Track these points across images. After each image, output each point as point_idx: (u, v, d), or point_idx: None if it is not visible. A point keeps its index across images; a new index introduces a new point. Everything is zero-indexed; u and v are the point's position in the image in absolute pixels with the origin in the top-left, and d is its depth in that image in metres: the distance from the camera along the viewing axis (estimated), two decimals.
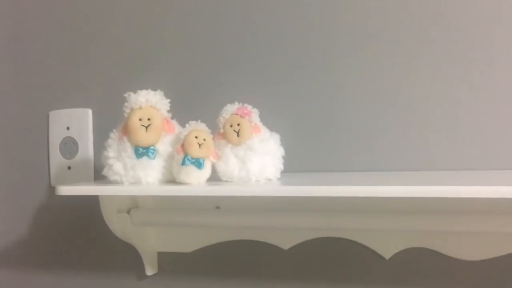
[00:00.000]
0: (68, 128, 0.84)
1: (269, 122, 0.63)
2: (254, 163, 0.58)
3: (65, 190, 0.61)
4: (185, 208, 0.74)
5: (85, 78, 0.84)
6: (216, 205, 0.74)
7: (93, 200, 0.81)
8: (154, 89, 0.62)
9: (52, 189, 0.85)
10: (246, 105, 0.61)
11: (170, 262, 0.79)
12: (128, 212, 0.73)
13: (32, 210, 0.87)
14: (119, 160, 0.60)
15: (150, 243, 0.78)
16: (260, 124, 0.60)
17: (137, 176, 0.60)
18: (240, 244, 0.76)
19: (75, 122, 0.84)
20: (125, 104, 0.61)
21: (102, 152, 0.63)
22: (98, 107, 0.83)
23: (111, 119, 0.81)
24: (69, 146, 0.84)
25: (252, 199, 0.59)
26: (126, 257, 0.81)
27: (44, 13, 0.86)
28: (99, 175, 0.83)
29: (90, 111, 0.83)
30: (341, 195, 0.53)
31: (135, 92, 0.61)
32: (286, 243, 0.73)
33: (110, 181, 0.62)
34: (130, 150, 0.60)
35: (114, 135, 0.62)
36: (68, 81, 0.85)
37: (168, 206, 0.75)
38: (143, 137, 0.59)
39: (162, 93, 0.62)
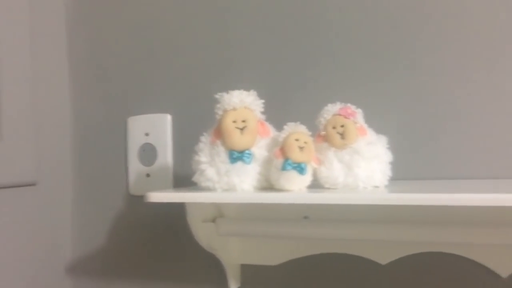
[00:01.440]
0: (147, 134, 0.82)
1: (373, 123, 0.57)
2: (362, 169, 0.52)
3: (156, 197, 0.57)
4: (271, 217, 0.69)
5: (163, 83, 0.81)
6: (304, 215, 0.68)
7: (175, 208, 0.78)
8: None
9: (130, 196, 0.83)
10: (349, 104, 0.56)
11: (254, 275, 0.75)
12: (212, 221, 0.69)
13: (110, 218, 0.85)
14: (212, 166, 0.56)
15: (234, 254, 0.73)
16: (365, 126, 0.55)
17: (231, 182, 0.55)
18: (331, 258, 0.70)
19: (154, 128, 0.81)
20: (217, 105, 0.58)
21: (192, 157, 0.59)
22: (177, 112, 0.81)
23: (191, 124, 0.79)
24: (148, 153, 0.82)
25: (347, 208, 0.54)
26: (207, 268, 0.77)
27: (123, 19, 0.85)
28: (178, 183, 0.80)
29: (169, 117, 0.81)
30: (463, 203, 0.47)
31: (222, 95, 0.57)
32: (384, 258, 0.67)
33: (201, 188, 0.58)
34: (223, 155, 0.56)
35: (205, 139, 0.58)
36: (146, 87, 0.83)
37: (254, 215, 0.70)
38: (238, 140, 0.55)
39: (255, 93, 0.58)
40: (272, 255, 0.73)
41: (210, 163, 0.57)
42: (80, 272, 0.87)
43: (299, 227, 0.67)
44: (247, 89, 0.59)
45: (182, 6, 0.80)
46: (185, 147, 0.80)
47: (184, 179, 0.80)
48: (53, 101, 0.85)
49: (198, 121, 0.79)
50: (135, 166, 0.83)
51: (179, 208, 0.74)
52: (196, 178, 0.58)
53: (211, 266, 0.76)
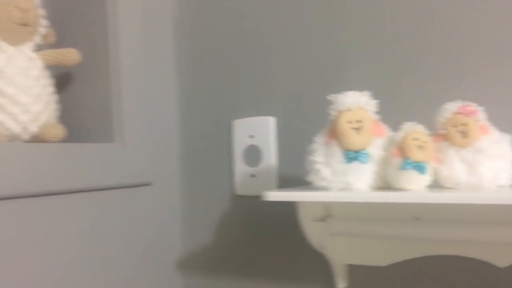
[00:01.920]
0: (251, 136, 0.85)
1: (494, 122, 0.55)
2: (486, 168, 0.51)
3: (274, 195, 0.60)
4: (381, 217, 0.69)
5: (267, 86, 0.84)
6: (416, 215, 0.68)
7: (281, 208, 0.81)
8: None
9: (236, 196, 0.87)
10: (469, 102, 0.55)
11: (362, 276, 0.75)
12: (321, 220, 0.70)
13: (217, 216, 0.89)
14: (327, 166, 0.58)
15: (342, 254, 0.74)
16: (488, 124, 0.54)
17: (347, 181, 0.56)
18: (442, 260, 0.69)
19: (258, 130, 0.84)
20: (331, 106, 0.59)
21: (306, 157, 0.61)
22: (281, 114, 0.83)
23: (295, 126, 0.81)
24: (253, 154, 0.85)
25: (466, 208, 0.52)
26: (313, 267, 0.78)
27: (227, 24, 0.88)
28: (283, 183, 0.83)
29: (272, 119, 0.83)
30: None
31: (335, 96, 0.58)
32: (502, 261, 0.64)
33: (316, 187, 0.59)
34: (339, 155, 0.57)
35: (319, 140, 0.60)
36: (250, 90, 0.86)
37: (363, 215, 0.70)
38: (355, 140, 0.56)
39: (369, 93, 0.59)
40: (381, 255, 0.72)
41: (325, 163, 0.58)
42: (189, 268, 0.92)
43: (410, 227, 0.67)
44: (355, 89, 0.60)
45: (286, 7, 0.82)
46: (289, 148, 0.82)
47: (288, 179, 0.82)
48: (163, 107, 0.91)
49: (301, 123, 0.81)
50: (240, 167, 0.86)
51: (285, 207, 0.77)
52: (311, 177, 0.59)
53: (317, 265, 0.77)
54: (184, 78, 0.93)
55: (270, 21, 0.84)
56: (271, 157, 0.83)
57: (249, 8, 0.86)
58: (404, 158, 0.53)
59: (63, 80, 0.84)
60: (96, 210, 0.77)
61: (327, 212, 0.72)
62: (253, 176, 0.85)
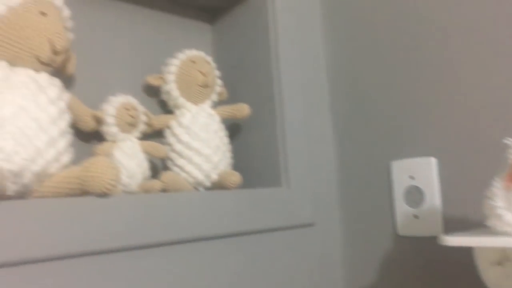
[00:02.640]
0: (412, 177, 0.86)
1: None
2: None
3: (455, 240, 0.60)
4: None
5: (427, 126, 0.85)
6: None
7: (450, 250, 0.80)
8: None
9: (398, 237, 0.88)
10: None
11: None
12: (499, 264, 0.68)
13: (379, 257, 0.90)
14: (510, 211, 0.57)
15: None
16: None
17: None
18: None
19: (419, 171, 0.85)
20: (510, 150, 0.59)
21: (485, 202, 0.60)
22: (442, 155, 0.83)
23: (458, 168, 0.81)
24: (414, 195, 0.85)
25: None
26: None
27: (383, 63, 0.91)
28: (447, 225, 0.82)
29: (434, 160, 0.83)
30: None
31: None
32: None
33: (496, 232, 0.59)
34: None
35: (498, 184, 0.59)
36: (409, 130, 0.87)
37: None
38: None
39: None
40: None
41: (507, 208, 0.57)
42: None
43: None
44: None
45: (445, 42, 0.83)
46: (452, 190, 0.81)
47: (453, 221, 0.81)
48: (321, 150, 0.96)
49: (465, 165, 0.80)
50: (401, 207, 0.87)
51: (454, 250, 0.76)
52: (491, 222, 0.59)
53: None
54: (340, 120, 0.98)
55: (427, 56, 0.85)
56: (434, 198, 0.83)
57: (402, 49, 0.88)
58: None
59: (234, 130, 0.94)
60: (264, 249, 0.83)
61: (505, 255, 0.69)
62: (416, 217, 0.85)
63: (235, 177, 0.82)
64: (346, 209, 0.96)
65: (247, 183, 0.89)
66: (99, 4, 0.84)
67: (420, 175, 0.85)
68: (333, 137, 0.99)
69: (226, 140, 0.88)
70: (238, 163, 0.91)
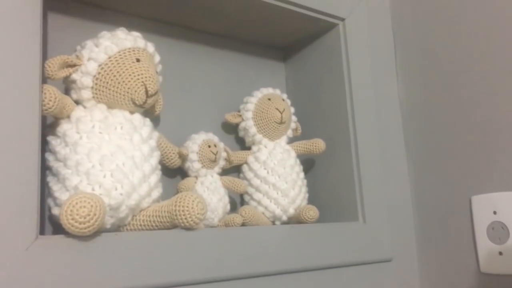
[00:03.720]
0: (494, 213, 0.83)
1: None
2: None
3: None
4: None
5: (509, 159, 0.82)
6: None
7: None
8: None
9: (481, 274, 0.85)
10: None
11: None
12: None
13: None
14: None
15: None
16: None
17: None
18: None
19: (503, 206, 0.82)
20: None
21: None
22: None
23: None
24: (498, 231, 0.83)
25: None
26: None
27: (458, 95, 0.91)
28: None
29: None
30: None
31: None
32: None
33: None
34: None
35: None
36: (490, 164, 0.85)
37: None
38: None
39: None
40: None
41: None
42: None
43: None
44: None
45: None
46: None
47: None
48: (396, 184, 0.96)
49: None
50: (484, 244, 0.84)
51: None
52: None
53: None
54: (416, 154, 0.97)
55: (509, 91, 0.83)
56: None
57: (479, 81, 0.87)
58: None
59: (308, 165, 0.96)
60: (342, 285, 0.83)
61: None
62: (500, 253, 0.82)
63: (313, 212, 0.83)
64: (424, 244, 0.94)
65: (323, 217, 0.90)
66: (181, 48, 0.90)
67: (504, 210, 0.82)
68: (408, 171, 0.98)
69: (302, 175, 0.89)
70: (313, 197, 0.92)
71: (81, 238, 0.56)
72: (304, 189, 0.89)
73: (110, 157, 0.64)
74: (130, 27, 0.72)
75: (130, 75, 0.67)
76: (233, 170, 0.90)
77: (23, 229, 0.53)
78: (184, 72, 0.90)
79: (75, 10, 0.78)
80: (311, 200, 0.91)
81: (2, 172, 0.53)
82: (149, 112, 0.76)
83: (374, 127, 0.93)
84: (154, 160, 0.70)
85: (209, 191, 0.80)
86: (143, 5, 0.81)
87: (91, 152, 0.63)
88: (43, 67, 0.61)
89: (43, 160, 0.65)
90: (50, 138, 0.67)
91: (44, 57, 0.64)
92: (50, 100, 0.61)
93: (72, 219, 0.54)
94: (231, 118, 0.89)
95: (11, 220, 0.53)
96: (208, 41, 0.94)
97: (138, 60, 0.69)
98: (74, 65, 0.66)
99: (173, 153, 0.79)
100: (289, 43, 1.02)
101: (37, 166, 0.55)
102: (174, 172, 0.84)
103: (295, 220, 0.86)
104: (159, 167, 0.72)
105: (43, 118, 0.71)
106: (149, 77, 0.68)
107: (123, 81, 0.67)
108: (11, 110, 0.55)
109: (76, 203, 0.54)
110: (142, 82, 0.68)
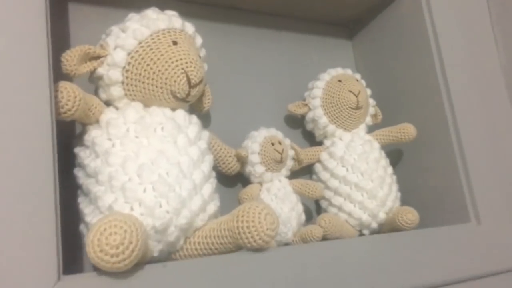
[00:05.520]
0: None
1: None
2: None
3: None
4: None
5: None
6: None
7: None
8: None
9: None
10: None
11: None
12: None
13: None
14: None
15: None
16: None
17: None
18: None
19: None
20: None
21: None
22: None
23: None
24: None
25: None
26: None
27: None
28: None
29: None
30: None
31: None
32: None
33: None
34: None
35: None
36: None
37: None
38: None
39: None
40: None
41: None
42: None
43: None
44: None
45: None
46: None
47: None
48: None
49: None
50: None
51: None
52: None
53: None
54: None
55: None
56: None
57: None
58: None
59: (395, 157, 0.78)
60: None
61: None
62: None
63: (411, 215, 0.66)
64: None
65: (422, 220, 0.72)
66: (228, 32, 0.77)
67: None
68: None
69: (390, 169, 0.72)
70: (406, 196, 0.74)
71: (116, 275, 0.42)
72: (395, 187, 0.72)
73: (150, 166, 0.50)
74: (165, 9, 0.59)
75: (166, 61, 0.54)
76: (304, 171, 0.75)
77: (39, 272, 0.40)
78: (235, 59, 0.76)
79: None
80: (404, 201, 0.73)
81: (7, 203, 0.40)
82: (195, 109, 0.62)
83: (475, 102, 0.74)
84: (206, 166, 0.55)
85: (277, 199, 0.65)
86: None
87: (126, 161, 0.50)
88: (54, 60, 0.48)
89: (70, 178, 0.53)
90: (77, 150, 0.54)
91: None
92: (69, 100, 0.48)
93: (101, 251, 0.40)
94: (296, 108, 0.74)
95: (24, 263, 0.39)
96: (260, 22, 0.80)
97: (175, 43, 0.55)
98: (99, 57, 0.54)
99: (230, 156, 0.64)
100: (355, 16, 0.86)
101: (52, 192, 0.41)
102: (233, 180, 0.70)
103: (388, 226, 0.69)
104: (214, 174, 0.57)
105: (71, 126, 0.59)
106: (191, 62, 0.54)
107: (159, 70, 0.54)
108: (10, 119, 0.42)
109: (105, 230, 0.41)
110: (183, 69, 0.54)
